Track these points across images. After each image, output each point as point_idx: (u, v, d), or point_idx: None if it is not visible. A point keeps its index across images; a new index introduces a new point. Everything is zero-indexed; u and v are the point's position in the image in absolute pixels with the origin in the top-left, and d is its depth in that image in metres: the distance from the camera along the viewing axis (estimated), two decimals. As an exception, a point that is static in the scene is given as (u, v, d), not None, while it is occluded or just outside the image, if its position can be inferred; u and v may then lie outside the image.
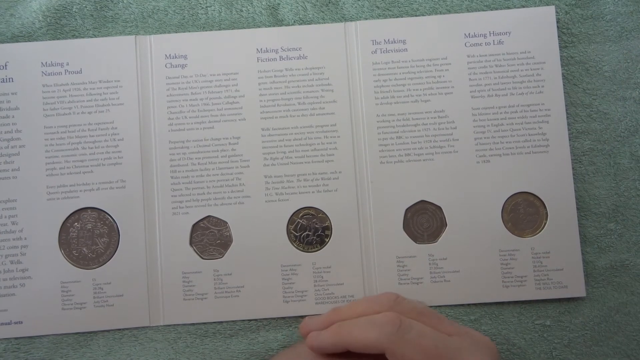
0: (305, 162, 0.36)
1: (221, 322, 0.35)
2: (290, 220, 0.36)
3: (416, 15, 0.37)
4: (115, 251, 0.35)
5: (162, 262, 0.35)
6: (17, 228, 0.35)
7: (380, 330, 0.27)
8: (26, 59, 0.36)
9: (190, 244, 0.35)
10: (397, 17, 0.37)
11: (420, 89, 0.36)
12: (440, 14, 0.37)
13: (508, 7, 0.37)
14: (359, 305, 0.30)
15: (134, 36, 0.37)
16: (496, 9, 0.37)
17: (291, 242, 0.35)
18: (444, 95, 0.36)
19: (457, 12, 0.37)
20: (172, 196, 0.35)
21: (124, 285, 0.35)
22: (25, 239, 0.35)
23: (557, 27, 0.37)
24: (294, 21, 0.37)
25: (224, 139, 0.36)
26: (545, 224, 0.35)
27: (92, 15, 0.37)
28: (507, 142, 0.36)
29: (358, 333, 0.28)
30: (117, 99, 0.36)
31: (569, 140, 0.36)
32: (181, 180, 0.36)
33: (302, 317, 0.35)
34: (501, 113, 0.36)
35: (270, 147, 0.36)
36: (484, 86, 0.36)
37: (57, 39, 0.37)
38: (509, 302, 0.35)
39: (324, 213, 0.36)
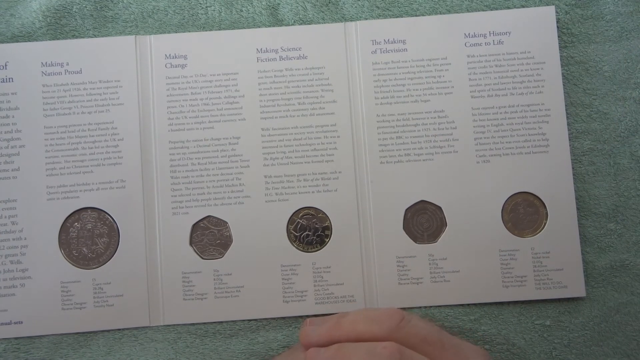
0: (305, 162, 0.36)
1: (221, 322, 0.35)
2: (290, 220, 0.36)
3: (416, 15, 0.37)
4: (115, 251, 0.35)
5: (162, 262, 0.35)
6: (17, 228, 0.35)
7: None
8: (26, 59, 0.36)
9: (190, 244, 0.35)
10: (397, 17, 0.37)
11: (420, 89, 0.36)
12: (440, 14, 0.37)
13: (508, 7, 0.37)
14: (361, 321, 0.29)
15: (134, 36, 0.37)
16: (496, 9, 0.37)
17: (291, 242, 0.35)
18: (444, 95, 0.36)
19: (457, 12, 0.37)
20: (172, 196, 0.35)
21: (124, 285, 0.35)
22: (25, 239, 0.35)
23: (557, 27, 0.37)
24: (294, 21, 0.37)
25: (224, 139, 0.36)
26: (545, 224, 0.35)
27: (92, 15, 0.37)
28: (507, 142, 0.36)
29: None
30: (117, 99, 0.36)
31: (569, 140, 0.36)
32: (181, 180, 0.36)
33: (302, 317, 0.35)
34: (501, 113, 0.36)
35: (270, 147, 0.36)
36: (484, 86, 0.36)
37: (57, 39, 0.37)
38: (509, 302, 0.35)
39: (324, 213, 0.36)
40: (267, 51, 0.37)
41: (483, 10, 0.37)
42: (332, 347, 0.29)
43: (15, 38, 0.37)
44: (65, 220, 0.35)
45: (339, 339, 0.29)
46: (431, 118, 0.36)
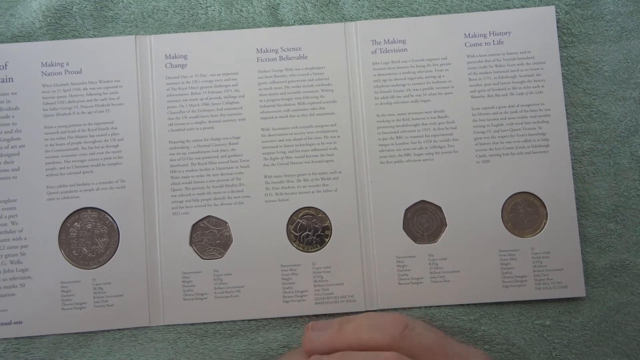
0: (305, 162, 0.36)
1: (221, 322, 0.35)
2: (290, 220, 0.36)
3: (416, 15, 0.37)
4: (115, 251, 0.35)
5: (162, 262, 0.35)
6: (17, 228, 0.35)
7: None
8: (26, 59, 0.36)
9: (190, 244, 0.35)
10: (397, 17, 0.37)
11: (420, 89, 0.36)
12: (440, 14, 0.37)
13: (508, 7, 0.37)
14: (364, 329, 0.29)
15: (134, 36, 0.37)
16: (496, 9, 0.37)
17: (291, 242, 0.35)
18: (444, 95, 0.36)
19: (457, 12, 0.37)
20: (172, 196, 0.35)
21: (124, 285, 0.35)
22: (25, 239, 0.35)
23: (557, 27, 0.37)
24: (294, 21, 0.37)
25: (224, 139, 0.36)
26: (545, 224, 0.35)
27: (92, 15, 0.37)
28: (507, 142, 0.36)
29: None
30: (117, 99, 0.36)
31: (569, 140, 0.36)
32: (181, 180, 0.36)
33: (302, 317, 0.35)
34: (501, 113, 0.36)
35: (270, 147, 0.36)
36: (484, 86, 0.36)
37: (57, 39, 0.37)
38: (508, 302, 0.35)
39: (324, 213, 0.36)
40: (267, 51, 0.37)
41: (483, 10, 0.37)
42: (334, 355, 0.28)
43: (15, 38, 0.37)
44: (65, 220, 0.35)
45: (341, 346, 0.29)
46: (431, 118, 0.36)
